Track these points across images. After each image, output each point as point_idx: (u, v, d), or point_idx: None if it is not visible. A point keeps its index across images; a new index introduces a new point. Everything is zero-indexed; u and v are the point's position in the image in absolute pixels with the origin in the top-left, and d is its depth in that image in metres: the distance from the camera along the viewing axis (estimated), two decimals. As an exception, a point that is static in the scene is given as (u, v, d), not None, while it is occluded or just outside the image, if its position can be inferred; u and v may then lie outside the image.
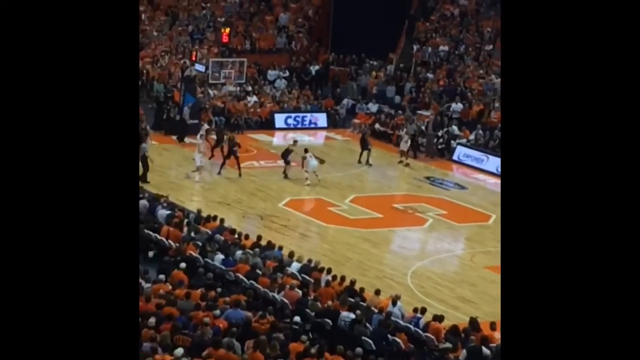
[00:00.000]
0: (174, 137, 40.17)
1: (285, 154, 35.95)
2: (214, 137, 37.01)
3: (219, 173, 35.35)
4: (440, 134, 41.75)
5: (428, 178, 37.40)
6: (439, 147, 41.29)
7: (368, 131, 40.97)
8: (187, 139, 39.58)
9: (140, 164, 32.10)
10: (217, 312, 19.62)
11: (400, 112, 44.50)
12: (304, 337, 18.97)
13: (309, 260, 24.46)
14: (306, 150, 35.63)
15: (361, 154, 38.60)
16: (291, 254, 24.78)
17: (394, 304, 21.80)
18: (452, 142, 41.14)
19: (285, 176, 35.70)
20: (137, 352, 13.12)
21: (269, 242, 25.69)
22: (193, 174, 34.52)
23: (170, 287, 21.27)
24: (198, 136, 35.74)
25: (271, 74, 48.72)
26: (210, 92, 44.67)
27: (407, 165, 38.55)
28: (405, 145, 38.90)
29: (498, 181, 37.90)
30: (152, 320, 18.46)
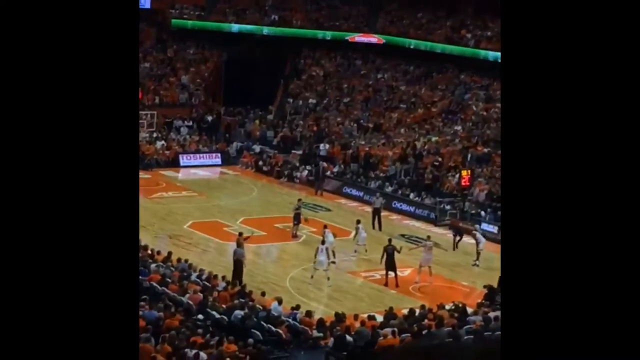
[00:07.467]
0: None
1: (296, 215, 32.03)
2: None
3: None
4: (309, 168, 42.21)
5: (300, 201, 36.59)
6: (309, 178, 41.69)
7: (301, 207, 33.04)
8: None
9: None
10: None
11: (276, 151, 45.12)
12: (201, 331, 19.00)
13: (209, 271, 24.50)
14: (358, 222, 30.62)
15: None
16: (194, 266, 24.77)
17: (279, 303, 21.91)
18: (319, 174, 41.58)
19: (295, 235, 31.93)
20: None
21: (177, 257, 25.63)
22: None
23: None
24: None
25: (176, 123, 48.63)
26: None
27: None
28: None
29: (357, 204, 38.37)
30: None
